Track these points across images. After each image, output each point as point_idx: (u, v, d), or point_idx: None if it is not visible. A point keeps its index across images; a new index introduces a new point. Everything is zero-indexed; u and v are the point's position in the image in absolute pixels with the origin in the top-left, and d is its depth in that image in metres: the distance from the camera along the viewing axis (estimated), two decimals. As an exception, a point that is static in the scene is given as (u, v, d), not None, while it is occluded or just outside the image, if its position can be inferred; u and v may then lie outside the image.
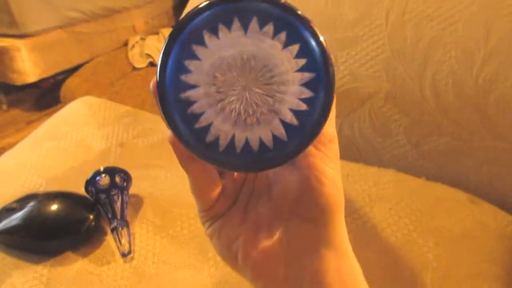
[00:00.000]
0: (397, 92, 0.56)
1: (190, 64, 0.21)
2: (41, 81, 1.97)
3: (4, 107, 2.10)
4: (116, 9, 2.16)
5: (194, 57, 0.21)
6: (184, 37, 0.21)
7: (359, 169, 0.54)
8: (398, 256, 0.43)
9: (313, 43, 0.21)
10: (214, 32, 0.21)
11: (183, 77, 0.21)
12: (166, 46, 0.21)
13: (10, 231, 0.45)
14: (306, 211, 0.24)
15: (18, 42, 1.86)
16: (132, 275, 0.41)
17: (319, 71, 0.21)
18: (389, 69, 0.56)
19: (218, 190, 0.25)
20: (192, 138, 0.21)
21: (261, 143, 0.21)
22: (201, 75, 0.21)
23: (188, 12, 0.21)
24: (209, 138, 0.21)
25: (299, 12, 0.21)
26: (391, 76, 0.56)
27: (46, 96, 2.17)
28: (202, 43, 0.21)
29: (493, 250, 0.43)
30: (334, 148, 0.24)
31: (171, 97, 0.21)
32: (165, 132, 0.66)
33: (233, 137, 0.21)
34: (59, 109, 2.29)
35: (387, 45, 0.56)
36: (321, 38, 0.21)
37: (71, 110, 0.73)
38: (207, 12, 0.21)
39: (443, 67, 0.52)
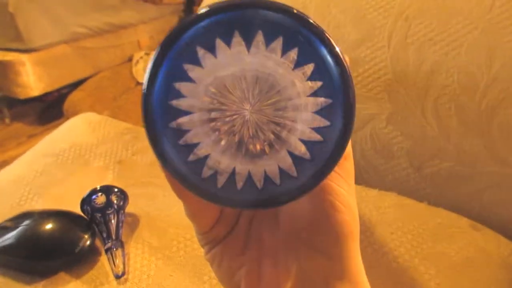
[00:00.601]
0: (399, 115, 0.55)
1: (182, 86, 0.18)
2: (44, 95, 1.99)
3: (7, 120, 2.11)
4: (121, 25, 2.19)
5: (186, 78, 0.18)
6: (174, 54, 0.17)
7: (360, 191, 0.53)
8: (399, 283, 0.41)
9: (330, 61, 0.17)
10: (210, 48, 0.17)
11: (174, 102, 0.18)
12: (152, 64, 0.18)
13: (3, 250, 0.44)
14: (319, 242, 0.21)
15: (23, 57, 1.87)
16: (125, 298, 0.40)
17: (337, 96, 0.17)
18: (391, 91, 0.56)
19: (215, 214, 0.23)
20: (185, 172, 0.18)
21: (266, 178, 0.18)
22: (195, 99, 0.18)
23: (180, 22, 0.18)
24: (206, 172, 0.18)
25: (314, 22, 0.18)
26: (393, 98, 0.56)
27: (49, 110, 2.18)
28: (195, 61, 0.17)
29: (495, 279, 0.42)
30: (348, 167, 0.21)
31: (160, 125, 0.18)
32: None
33: (233, 170, 0.18)
34: (62, 123, 2.30)
35: (389, 67, 0.56)
36: (341, 55, 0.18)
37: (71, 126, 0.72)
38: (202, 23, 0.17)
39: (446, 91, 0.52)
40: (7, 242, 0.44)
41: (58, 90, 2.06)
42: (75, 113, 1.93)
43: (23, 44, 1.85)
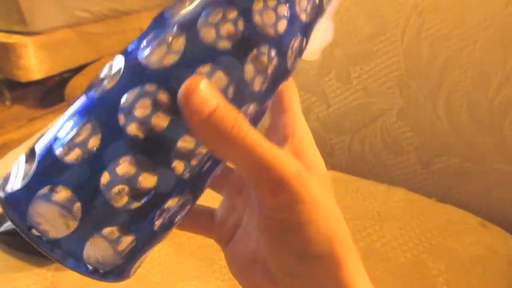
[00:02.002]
0: (410, 110, 0.55)
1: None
2: (45, 78, 1.98)
3: (8, 103, 2.10)
4: (125, 11, 2.17)
5: None
6: None
7: (369, 185, 0.53)
8: (407, 277, 0.42)
9: None
10: None
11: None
12: None
13: (13, 232, 0.44)
14: (306, 269, 0.18)
15: (25, 39, 1.86)
16: (136, 283, 0.41)
17: None
18: (402, 86, 0.56)
19: (206, 225, 0.24)
20: None
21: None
22: None
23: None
24: None
25: None
26: (404, 93, 0.56)
27: (50, 93, 2.17)
28: None
29: (503, 276, 0.43)
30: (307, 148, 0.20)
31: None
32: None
33: None
34: (62, 107, 2.29)
35: (402, 62, 0.56)
36: None
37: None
38: None
39: (458, 87, 0.52)
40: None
41: (59, 74, 2.05)
42: (76, 97, 1.93)
43: (26, 27, 1.84)
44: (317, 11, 0.20)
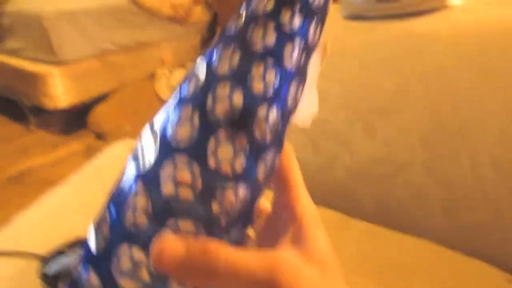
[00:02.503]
0: (434, 163, 0.57)
1: None
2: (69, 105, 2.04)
3: (32, 128, 2.16)
4: (147, 42, 2.25)
5: None
6: None
7: (395, 236, 0.55)
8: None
9: None
10: None
11: None
12: None
13: (59, 276, 0.47)
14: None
15: (53, 69, 1.94)
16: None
17: None
18: (426, 140, 0.58)
19: None
20: None
21: None
22: None
23: None
24: None
25: None
26: (428, 147, 0.58)
27: (73, 120, 2.23)
28: None
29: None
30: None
31: None
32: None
33: None
34: (85, 134, 2.34)
35: (425, 117, 0.59)
36: None
37: (113, 152, 0.76)
38: None
39: (482, 144, 0.54)
40: (63, 268, 0.47)
41: (82, 101, 2.12)
42: (98, 125, 1.97)
43: (54, 57, 1.91)
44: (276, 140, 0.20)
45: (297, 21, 0.20)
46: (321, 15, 0.21)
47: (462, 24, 0.57)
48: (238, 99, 0.18)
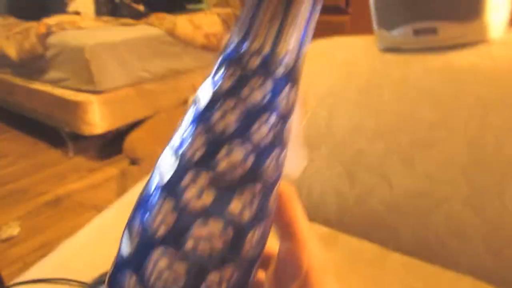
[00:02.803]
0: (476, 198, 0.56)
1: None
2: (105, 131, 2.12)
3: (70, 154, 2.25)
4: (180, 70, 2.33)
5: None
6: None
7: (436, 272, 0.54)
8: None
9: None
10: None
11: None
12: None
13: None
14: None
15: (92, 97, 2.02)
16: None
17: None
18: (467, 174, 0.57)
19: None
20: None
21: None
22: None
23: None
24: None
25: None
26: (469, 181, 0.57)
27: (108, 146, 2.31)
28: None
29: None
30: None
31: None
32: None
33: None
34: (120, 159, 2.39)
35: (466, 151, 0.58)
36: None
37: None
38: None
39: (526, 179, 0.53)
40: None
41: (117, 128, 2.19)
42: (133, 151, 2.03)
43: (94, 86, 2.00)
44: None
45: (260, 95, 0.18)
46: (292, 77, 0.19)
47: (504, 58, 0.57)
48: (208, 194, 0.18)
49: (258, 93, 0.18)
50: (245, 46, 0.19)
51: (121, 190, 1.95)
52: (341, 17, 1.83)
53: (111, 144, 2.28)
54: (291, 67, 0.19)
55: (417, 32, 0.62)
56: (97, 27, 2.24)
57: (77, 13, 2.41)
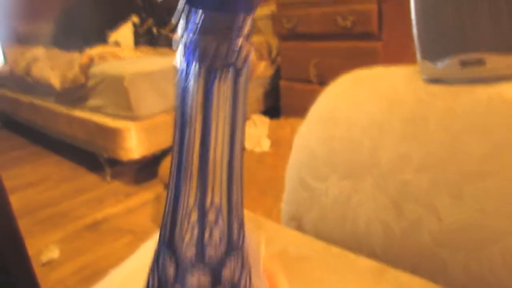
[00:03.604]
0: (533, 233, 0.55)
1: None
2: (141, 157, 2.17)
3: (108, 178, 2.31)
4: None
5: None
6: None
7: (493, 311, 0.52)
8: None
9: None
10: None
11: None
12: None
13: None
14: None
15: (130, 124, 2.09)
16: None
17: None
18: (523, 208, 0.56)
19: None
20: None
21: None
22: None
23: None
24: None
25: None
26: (525, 215, 0.55)
27: (143, 171, 2.36)
28: None
29: None
30: None
31: None
32: (286, 242, 0.70)
33: None
34: (155, 183, 2.44)
35: (520, 183, 0.56)
36: None
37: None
38: None
39: None
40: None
41: (152, 153, 2.25)
42: (168, 176, 2.07)
43: (132, 113, 2.07)
44: None
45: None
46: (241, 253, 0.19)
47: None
48: None
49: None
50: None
51: (156, 215, 1.98)
52: (374, 43, 1.84)
53: (146, 169, 2.34)
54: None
55: (464, 64, 0.62)
56: (136, 57, 2.34)
57: (117, 44, 2.53)
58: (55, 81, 2.30)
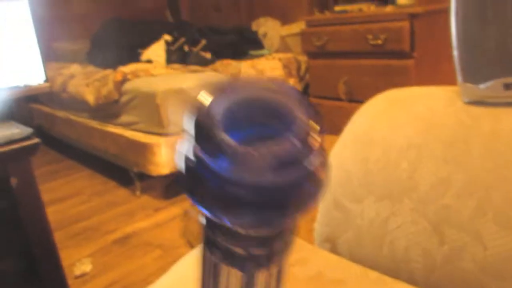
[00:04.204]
0: None
1: None
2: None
3: (138, 193, 2.35)
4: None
5: None
6: None
7: None
8: None
9: None
10: None
11: None
12: None
13: None
14: None
15: (160, 139, 2.13)
16: None
17: None
18: None
19: None
20: None
21: None
22: None
23: None
24: None
25: None
26: None
27: (172, 185, 2.39)
28: None
29: None
30: None
31: None
32: (322, 264, 0.69)
33: None
34: (183, 199, 2.45)
35: None
36: None
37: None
38: None
39: None
40: None
41: (181, 168, 2.26)
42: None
43: (162, 129, 2.11)
44: None
45: None
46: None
47: None
48: None
49: None
50: None
51: (184, 230, 1.99)
52: (406, 61, 1.82)
53: (175, 184, 2.37)
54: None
55: (507, 86, 0.60)
56: (168, 74, 2.39)
57: (149, 61, 2.59)
58: (90, 97, 2.38)
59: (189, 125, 0.16)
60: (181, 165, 0.16)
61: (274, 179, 0.14)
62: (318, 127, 0.15)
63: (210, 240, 0.18)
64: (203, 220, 0.17)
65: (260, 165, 0.13)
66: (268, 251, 0.18)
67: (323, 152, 0.15)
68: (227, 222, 0.16)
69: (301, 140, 0.14)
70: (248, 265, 0.18)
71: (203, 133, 0.15)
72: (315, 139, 0.14)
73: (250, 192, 0.14)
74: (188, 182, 0.16)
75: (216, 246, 0.17)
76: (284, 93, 0.16)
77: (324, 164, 0.15)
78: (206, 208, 0.16)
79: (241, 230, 0.16)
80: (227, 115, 0.15)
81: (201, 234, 0.18)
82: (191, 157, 0.15)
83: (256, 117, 0.15)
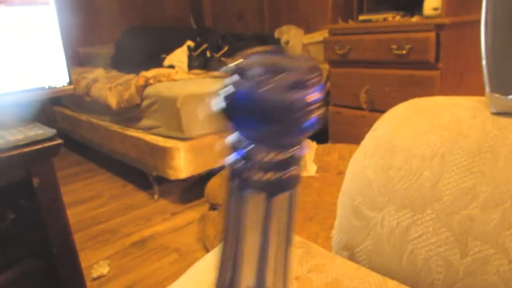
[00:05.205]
0: None
1: None
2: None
3: (156, 197, 2.37)
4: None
5: None
6: None
7: None
8: None
9: None
10: None
11: None
12: None
13: None
14: None
15: (179, 144, 2.14)
16: None
17: None
18: None
19: None
20: None
21: None
22: None
23: None
24: None
25: None
26: None
27: (190, 190, 2.40)
28: None
29: None
30: None
31: None
32: (340, 272, 0.68)
33: None
34: (201, 203, 2.46)
35: None
36: None
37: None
38: None
39: None
40: None
41: (199, 173, 2.28)
42: (213, 196, 2.08)
43: (182, 134, 2.13)
44: None
45: None
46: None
47: None
48: None
49: None
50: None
51: (201, 235, 2.00)
52: (430, 72, 1.79)
53: (193, 189, 2.37)
54: None
55: (537, 96, 0.59)
56: (189, 79, 2.42)
57: (171, 67, 2.63)
58: (112, 101, 2.42)
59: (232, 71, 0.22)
60: (222, 101, 0.22)
61: (290, 96, 0.19)
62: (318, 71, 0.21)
63: (233, 172, 0.22)
64: (231, 157, 0.22)
65: (279, 86, 0.19)
66: (284, 175, 0.21)
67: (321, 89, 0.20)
68: (257, 134, 0.20)
69: (306, 72, 0.20)
70: (268, 189, 0.21)
71: (241, 73, 0.21)
72: (316, 75, 0.20)
73: (273, 107, 0.19)
74: (228, 110, 0.21)
75: (239, 175, 0.22)
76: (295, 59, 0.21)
77: (323, 95, 0.20)
78: (243, 127, 0.21)
79: (262, 154, 0.20)
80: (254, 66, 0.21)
81: (227, 172, 0.23)
82: (232, 89, 0.21)
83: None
